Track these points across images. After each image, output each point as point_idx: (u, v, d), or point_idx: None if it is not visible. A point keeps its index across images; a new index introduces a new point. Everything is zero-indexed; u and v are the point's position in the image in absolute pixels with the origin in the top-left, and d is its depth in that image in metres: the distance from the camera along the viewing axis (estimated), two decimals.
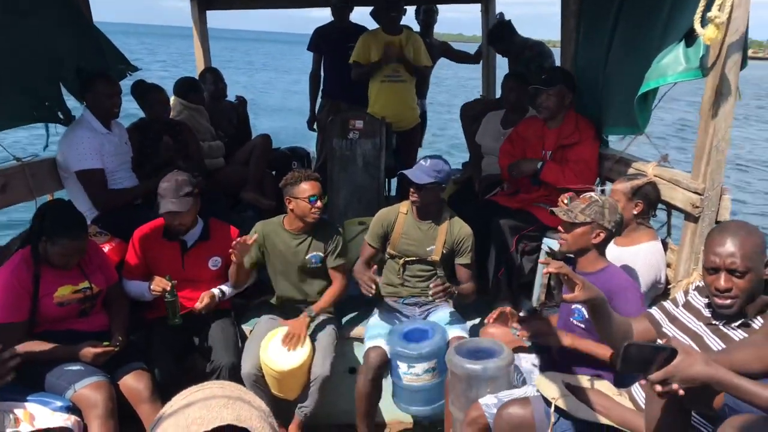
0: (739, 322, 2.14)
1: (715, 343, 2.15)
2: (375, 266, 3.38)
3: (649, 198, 3.07)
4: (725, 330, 2.17)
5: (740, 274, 2.07)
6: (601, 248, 2.69)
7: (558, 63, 4.53)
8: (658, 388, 1.76)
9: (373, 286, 3.26)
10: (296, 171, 3.38)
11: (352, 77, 5.14)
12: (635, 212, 3.06)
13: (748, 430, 1.69)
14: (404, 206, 3.49)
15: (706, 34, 2.51)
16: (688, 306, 2.37)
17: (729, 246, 2.08)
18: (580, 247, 2.69)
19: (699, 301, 2.33)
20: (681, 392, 1.74)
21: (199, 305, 3.26)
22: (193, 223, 3.41)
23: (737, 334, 2.14)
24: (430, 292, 3.19)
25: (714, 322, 2.21)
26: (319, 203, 3.30)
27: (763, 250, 2.11)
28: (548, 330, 2.71)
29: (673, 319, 2.36)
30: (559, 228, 2.79)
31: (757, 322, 2.13)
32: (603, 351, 2.58)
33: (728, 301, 2.11)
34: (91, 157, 3.56)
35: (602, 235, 2.64)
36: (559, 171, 3.70)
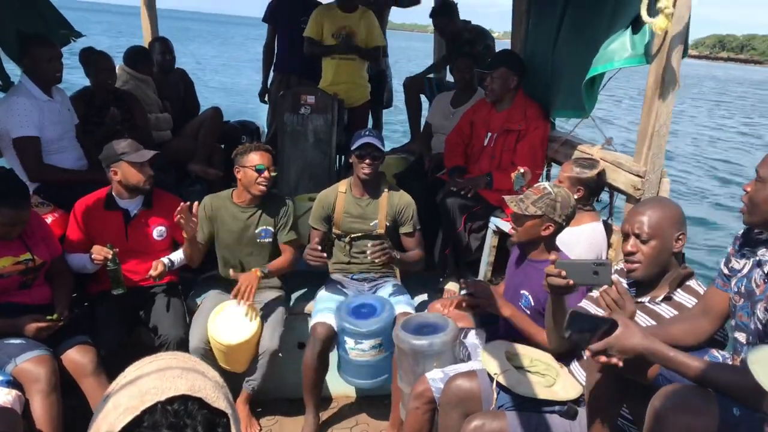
0: (662, 296, 2.28)
1: (644, 320, 2.28)
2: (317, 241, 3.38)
3: (590, 186, 3.16)
4: (651, 306, 2.31)
5: (644, 239, 2.24)
6: (550, 240, 2.70)
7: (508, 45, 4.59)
8: (602, 359, 1.86)
9: (320, 254, 3.20)
10: (244, 145, 3.36)
11: (305, 52, 5.10)
12: (576, 197, 3.14)
13: (677, 397, 1.81)
14: (342, 185, 3.50)
15: (657, 23, 2.59)
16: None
17: (638, 215, 2.27)
18: (530, 237, 2.70)
19: (622, 283, 2.45)
20: (620, 363, 1.84)
21: (153, 273, 3.21)
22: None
23: (663, 309, 2.28)
24: (368, 252, 3.17)
25: (639, 300, 2.34)
26: (266, 173, 3.28)
27: (674, 223, 2.26)
28: (492, 295, 2.72)
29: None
30: (508, 218, 2.83)
31: (679, 295, 2.27)
32: (538, 334, 2.62)
33: (632, 266, 2.29)
34: (28, 124, 3.43)
35: (551, 228, 2.63)
36: (507, 177, 3.66)
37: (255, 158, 3.27)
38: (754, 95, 44.21)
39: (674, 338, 2.06)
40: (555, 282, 2.12)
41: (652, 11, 2.64)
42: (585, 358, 2.43)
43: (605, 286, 2.17)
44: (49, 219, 3.31)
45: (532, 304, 2.68)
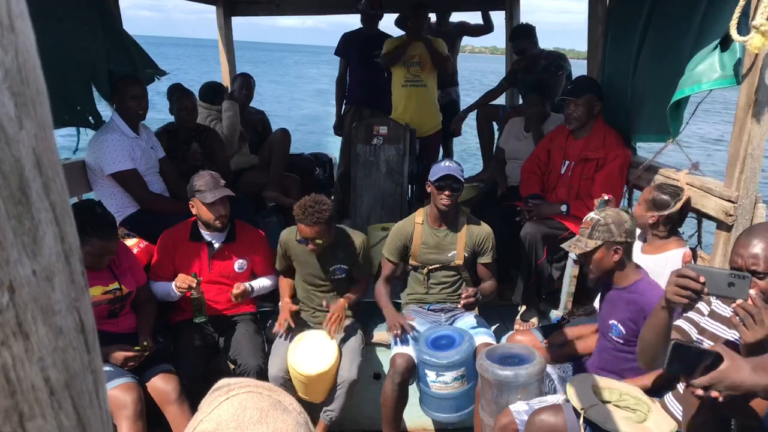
0: None
1: None
2: (414, 318, 3.39)
3: (671, 216, 3.03)
4: None
5: (761, 275, 2.03)
6: (626, 262, 2.64)
7: (585, 69, 4.50)
8: (700, 392, 1.70)
9: (400, 331, 3.24)
10: (302, 204, 3.15)
11: (381, 66, 5.17)
12: (650, 222, 3.02)
13: None
14: (419, 216, 3.44)
15: (752, 42, 2.46)
16: (713, 315, 2.33)
17: (752, 247, 2.05)
18: (605, 269, 2.65)
19: (724, 310, 2.29)
20: (720, 398, 1.67)
21: (236, 291, 3.26)
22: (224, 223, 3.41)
23: None
24: (461, 304, 3.13)
25: None
26: (310, 246, 3.20)
27: None
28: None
29: (702, 331, 2.32)
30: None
31: None
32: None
33: None
34: (123, 159, 3.58)
35: (620, 251, 2.60)
36: (584, 206, 3.61)
37: (302, 230, 3.18)
38: None
39: None
40: (687, 284, 1.84)
41: (743, 29, 2.53)
42: (682, 391, 2.29)
43: (740, 300, 1.94)
44: (135, 249, 3.42)
45: (623, 332, 2.57)
